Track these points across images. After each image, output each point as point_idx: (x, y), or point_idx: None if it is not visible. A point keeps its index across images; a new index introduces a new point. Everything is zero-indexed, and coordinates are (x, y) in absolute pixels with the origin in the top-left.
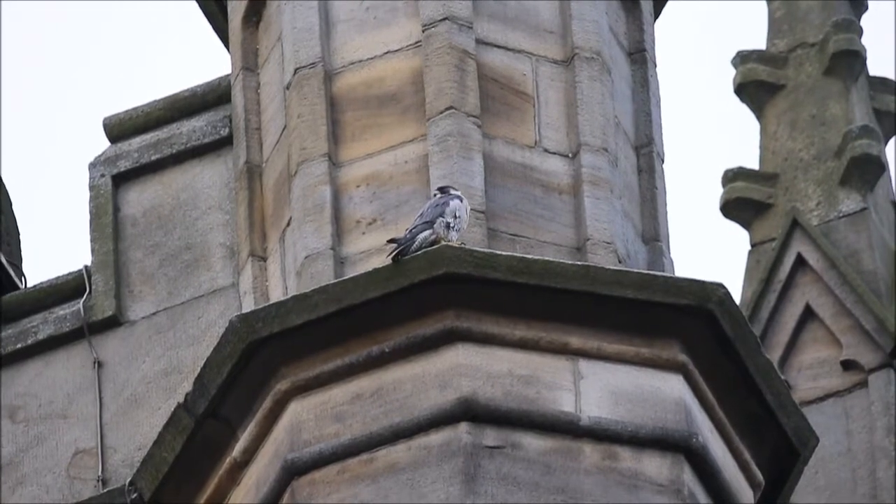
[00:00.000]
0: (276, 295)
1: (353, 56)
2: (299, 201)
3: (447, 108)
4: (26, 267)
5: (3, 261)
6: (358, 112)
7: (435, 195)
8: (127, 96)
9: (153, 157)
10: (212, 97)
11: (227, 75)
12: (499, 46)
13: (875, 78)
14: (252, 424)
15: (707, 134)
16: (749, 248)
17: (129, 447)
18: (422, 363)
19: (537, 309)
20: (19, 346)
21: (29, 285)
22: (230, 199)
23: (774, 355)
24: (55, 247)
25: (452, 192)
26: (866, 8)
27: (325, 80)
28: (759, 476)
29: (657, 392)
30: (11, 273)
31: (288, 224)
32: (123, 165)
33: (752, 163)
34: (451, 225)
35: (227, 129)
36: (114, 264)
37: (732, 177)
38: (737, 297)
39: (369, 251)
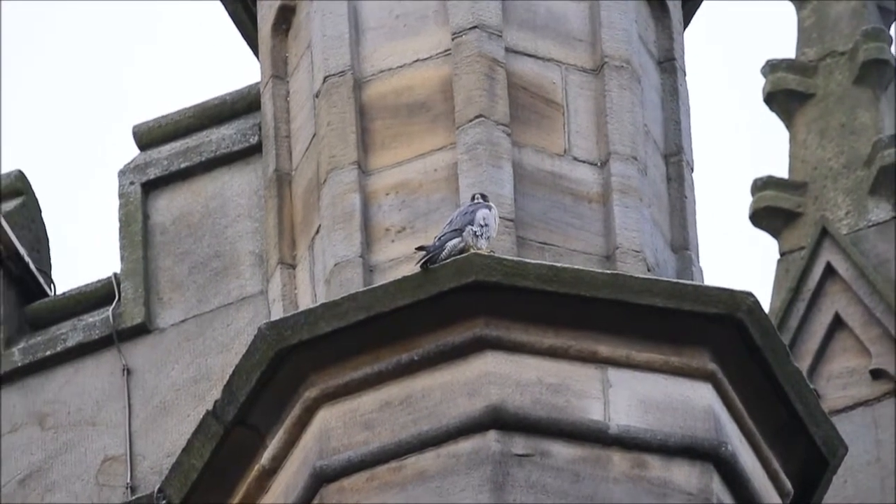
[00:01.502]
0: (305, 302)
1: (383, 64)
2: (328, 209)
3: (476, 117)
4: (55, 274)
5: (33, 268)
6: (387, 120)
7: (475, 200)
8: (156, 104)
9: (182, 165)
10: (241, 105)
11: (257, 83)
12: (528, 55)
13: None
14: (281, 431)
15: (736, 143)
16: (778, 256)
17: (157, 454)
18: (451, 371)
19: (566, 317)
20: (48, 353)
21: (58, 292)
22: (259, 206)
23: (803, 364)
24: (84, 254)
25: (482, 200)
26: None
27: (355, 88)
28: (788, 485)
29: (686, 401)
30: (41, 280)
31: (317, 232)
32: (153, 173)
33: (782, 172)
34: (480, 233)
35: (256, 137)
36: (143, 272)
37: (762, 186)
38: (766, 305)
39: (398, 259)
